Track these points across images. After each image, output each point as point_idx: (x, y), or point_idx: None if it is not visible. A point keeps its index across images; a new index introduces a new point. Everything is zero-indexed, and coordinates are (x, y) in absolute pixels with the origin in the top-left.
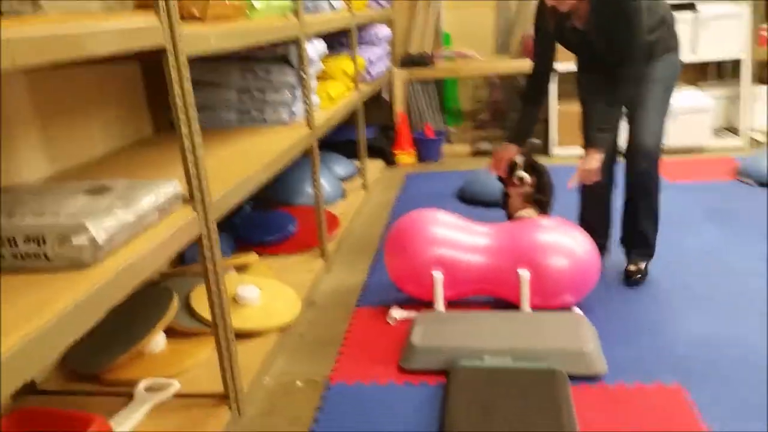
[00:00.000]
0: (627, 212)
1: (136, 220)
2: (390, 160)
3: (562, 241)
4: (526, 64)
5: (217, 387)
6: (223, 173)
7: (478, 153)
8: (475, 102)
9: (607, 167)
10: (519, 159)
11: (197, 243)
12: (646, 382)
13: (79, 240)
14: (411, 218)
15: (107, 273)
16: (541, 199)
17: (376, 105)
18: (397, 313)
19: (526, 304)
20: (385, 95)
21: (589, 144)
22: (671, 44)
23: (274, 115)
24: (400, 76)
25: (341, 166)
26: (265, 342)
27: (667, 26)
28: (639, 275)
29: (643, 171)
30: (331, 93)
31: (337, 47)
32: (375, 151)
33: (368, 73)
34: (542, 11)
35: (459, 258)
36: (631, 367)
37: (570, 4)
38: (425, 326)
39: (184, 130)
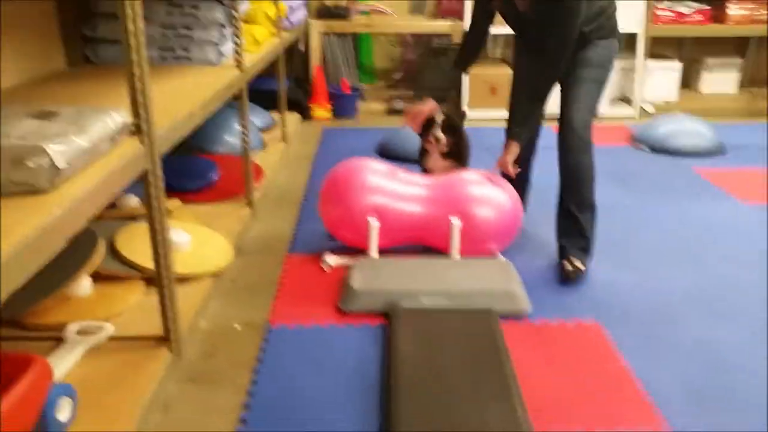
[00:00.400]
0: (561, 204)
1: (91, 146)
2: (306, 114)
3: (491, 193)
4: (442, 25)
5: (153, 330)
6: (160, 110)
7: (392, 111)
8: (389, 61)
9: (530, 142)
10: (439, 117)
11: (142, 180)
12: (567, 320)
13: (37, 162)
14: (348, 166)
15: (66, 200)
16: (458, 159)
17: (292, 57)
18: (331, 260)
19: (455, 251)
20: (300, 47)
21: (509, 136)
22: (608, 31)
23: (200, 54)
24: (317, 27)
25: (258, 117)
26: (199, 287)
27: (606, 16)
28: (574, 273)
29: (573, 154)
30: (256, 36)
31: None
32: (290, 104)
33: (288, 20)
34: None
35: (394, 206)
36: (553, 308)
37: None
38: (363, 271)
39: (133, 57)
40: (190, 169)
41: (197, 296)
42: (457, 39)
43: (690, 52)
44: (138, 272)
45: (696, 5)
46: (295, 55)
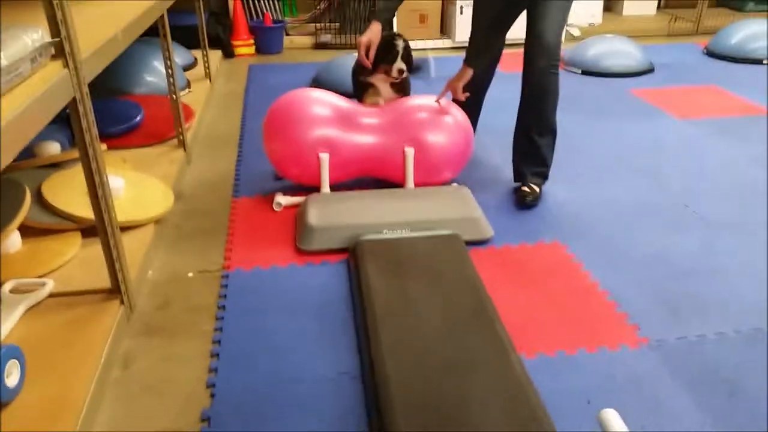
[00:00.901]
0: (521, 128)
1: (10, 65)
2: (228, 51)
3: (443, 119)
4: None
5: (99, 283)
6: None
7: (319, 45)
8: None
9: (487, 70)
10: (400, 44)
11: (71, 110)
12: (529, 242)
13: None
14: (291, 98)
15: None
16: (404, 90)
17: None
18: (282, 199)
19: (410, 181)
20: None
21: (466, 61)
22: None
23: None
24: None
25: (178, 56)
26: (141, 235)
27: None
28: (532, 197)
29: (541, 70)
30: None
31: None
32: (210, 41)
33: None
34: None
35: (344, 138)
36: (513, 231)
37: None
38: (318, 207)
39: None
40: (111, 112)
41: (141, 245)
42: None
43: None
44: (72, 223)
45: None
46: None
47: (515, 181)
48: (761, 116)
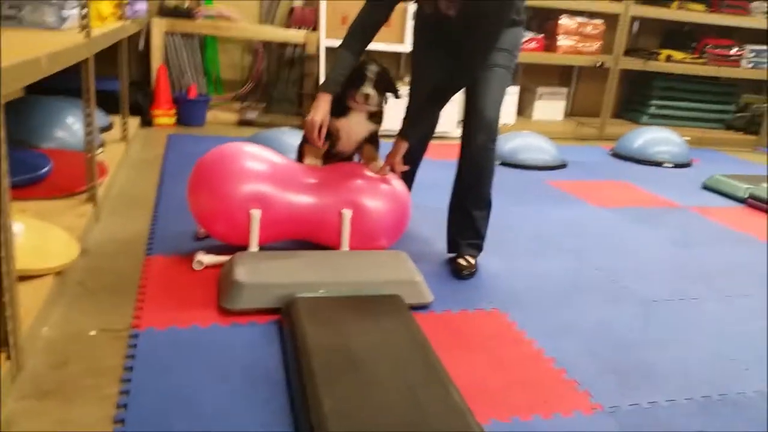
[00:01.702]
0: (457, 201)
1: None
2: (147, 120)
3: (383, 186)
4: (296, 34)
5: None
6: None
7: (244, 122)
8: (237, 71)
9: (423, 140)
10: (371, 70)
11: None
12: (469, 309)
13: None
14: (221, 151)
15: None
16: (376, 137)
17: (130, 58)
18: (204, 258)
19: (346, 244)
20: (140, 47)
21: (400, 135)
22: (516, 19)
23: (35, 16)
24: (159, 25)
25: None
26: (37, 287)
27: (516, 8)
28: (468, 271)
29: (481, 145)
30: (101, 11)
31: None
32: (129, 108)
33: (131, 6)
34: None
35: (278, 195)
36: (452, 298)
37: None
38: (247, 264)
39: None
40: (15, 162)
41: (36, 298)
42: (312, 50)
43: (522, 81)
44: None
45: (531, 34)
46: (133, 57)
47: (449, 251)
48: (672, 208)
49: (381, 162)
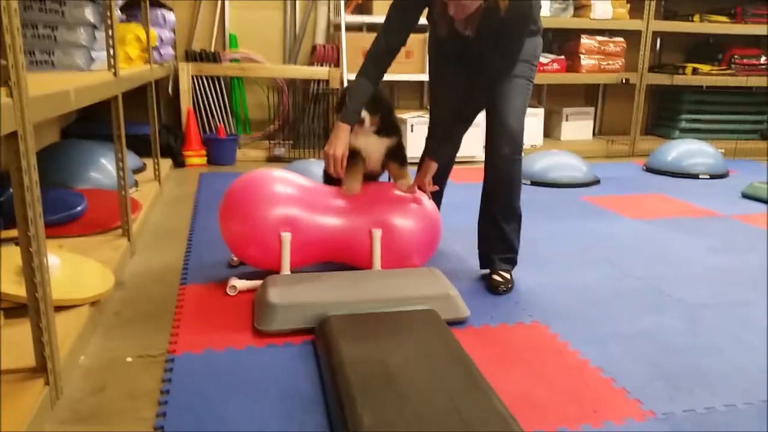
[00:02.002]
0: (486, 215)
1: None
2: (178, 161)
3: (412, 205)
4: (320, 71)
5: (21, 363)
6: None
7: (273, 158)
8: (264, 111)
9: (448, 160)
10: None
11: (9, 146)
12: (509, 323)
13: None
14: (251, 176)
15: None
16: (392, 133)
17: (160, 102)
18: (238, 283)
19: (377, 263)
20: (169, 91)
21: (429, 155)
22: (533, 29)
23: (65, 59)
24: (187, 69)
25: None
26: (76, 317)
27: (532, 19)
28: (504, 286)
29: (506, 157)
30: (129, 52)
31: (125, 20)
32: (161, 150)
33: (158, 52)
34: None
35: (308, 218)
36: (490, 313)
37: (469, 13)
38: (280, 286)
39: None
40: (52, 201)
41: (73, 327)
42: (335, 84)
43: (547, 103)
44: None
45: (552, 56)
46: (163, 101)
47: (482, 267)
48: (710, 217)
49: (410, 179)
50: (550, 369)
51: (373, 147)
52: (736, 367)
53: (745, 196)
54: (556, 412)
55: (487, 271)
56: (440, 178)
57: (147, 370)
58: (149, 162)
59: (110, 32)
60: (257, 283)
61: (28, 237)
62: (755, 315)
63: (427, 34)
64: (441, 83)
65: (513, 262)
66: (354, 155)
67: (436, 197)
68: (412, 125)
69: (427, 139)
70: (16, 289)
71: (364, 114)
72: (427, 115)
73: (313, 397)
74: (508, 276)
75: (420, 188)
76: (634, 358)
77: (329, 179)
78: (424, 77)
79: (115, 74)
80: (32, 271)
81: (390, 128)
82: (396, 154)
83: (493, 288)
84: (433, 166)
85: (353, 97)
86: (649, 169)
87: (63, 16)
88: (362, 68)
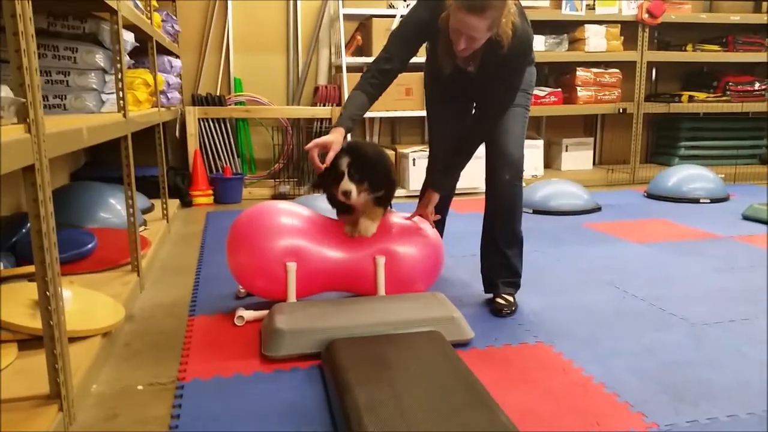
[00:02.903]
0: (488, 241)
1: None
2: (186, 201)
3: (414, 232)
4: (322, 110)
5: (35, 391)
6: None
7: (278, 196)
8: (269, 150)
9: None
10: (343, 162)
11: (27, 179)
12: (513, 344)
13: None
14: (257, 209)
15: None
16: (383, 190)
17: (167, 146)
18: (245, 314)
19: (382, 289)
20: (177, 133)
21: (431, 186)
22: (530, 59)
23: (77, 102)
24: (193, 112)
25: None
26: (88, 348)
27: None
28: (508, 309)
29: (508, 183)
30: (138, 96)
31: (132, 66)
32: (169, 191)
33: (166, 96)
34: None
35: (312, 249)
36: (495, 335)
37: (474, 49)
38: (287, 312)
39: (19, 26)
40: (62, 240)
41: (85, 358)
42: None
43: (547, 135)
44: (8, 333)
45: (548, 89)
46: (171, 144)
47: (486, 292)
48: (713, 239)
49: (374, 225)
50: (555, 386)
51: (363, 201)
52: (738, 380)
53: (746, 218)
54: (560, 426)
55: (491, 295)
56: (442, 208)
57: (158, 397)
58: (157, 202)
59: (120, 75)
60: (264, 313)
61: (43, 264)
62: (757, 330)
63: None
64: (439, 118)
65: (516, 286)
66: (344, 204)
67: (439, 226)
68: (414, 159)
69: (428, 171)
70: (31, 321)
71: (351, 186)
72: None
73: (321, 418)
74: (511, 299)
75: (423, 217)
76: (637, 374)
77: (335, 203)
78: (424, 113)
79: (124, 116)
80: (47, 299)
81: (379, 183)
82: (380, 199)
83: (497, 311)
84: (435, 197)
85: (347, 107)
86: (650, 195)
87: (75, 62)
88: (359, 82)
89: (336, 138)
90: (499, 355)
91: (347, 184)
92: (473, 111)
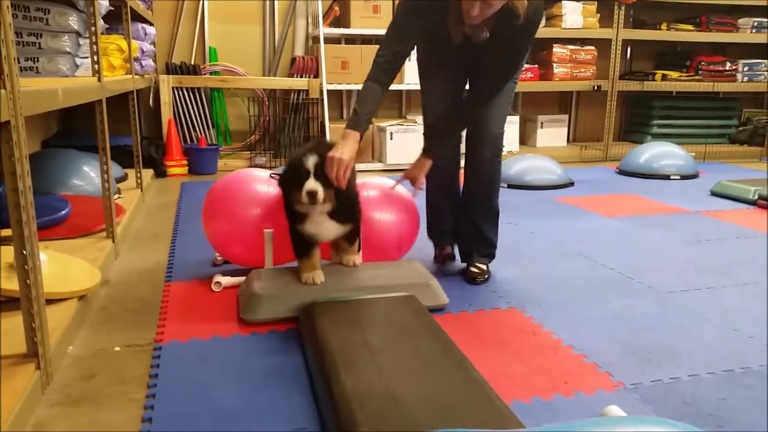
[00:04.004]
0: (465, 215)
1: None
2: (160, 171)
3: (390, 198)
4: (300, 81)
5: (12, 349)
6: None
7: (255, 167)
8: (244, 122)
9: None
10: (310, 161)
11: (2, 137)
12: (486, 309)
13: None
14: (234, 176)
15: None
16: (348, 218)
17: (141, 115)
18: (223, 279)
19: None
20: (150, 102)
21: (424, 152)
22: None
23: (50, 65)
24: (167, 81)
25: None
26: (64, 310)
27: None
28: (482, 277)
29: (488, 159)
30: (112, 61)
31: (106, 32)
32: (143, 161)
33: (140, 63)
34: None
35: None
36: (468, 301)
37: (486, 16)
38: (265, 278)
39: None
40: (36, 206)
41: (61, 320)
42: (315, 95)
43: (523, 111)
44: None
45: (525, 65)
46: (145, 114)
47: (462, 261)
48: (681, 213)
49: (358, 257)
50: (525, 348)
51: (327, 233)
52: (701, 344)
53: (714, 193)
54: (530, 384)
55: (466, 264)
56: (450, 180)
57: (135, 358)
58: (131, 172)
59: (94, 39)
60: (242, 279)
61: (20, 223)
62: (722, 297)
63: None
64: (434, 86)
65: (491, 256)
66: (304, 242)
67: (454, 188)
68: (391, 133)
69: (426, 138)
70: (6, 283)
71: (316, 186)
72: (406, 124)
73: (298, 375)
74: (484, 267)
75: (410, 181)
76: (605, 338)
77: (295, 233)
78: (402, 87)
79: (99, 80)
80: (24, 258)
81: (347, 214)
82: (350, 235)
83: (471, 279)
84: (427, 164)
85: (362, 103)
86: (622, 172)
87: (47, 23)
88: (371, 72)
89: (353, 150)
90: (472, 319)
91: (313, 184)
92: (470, 81)
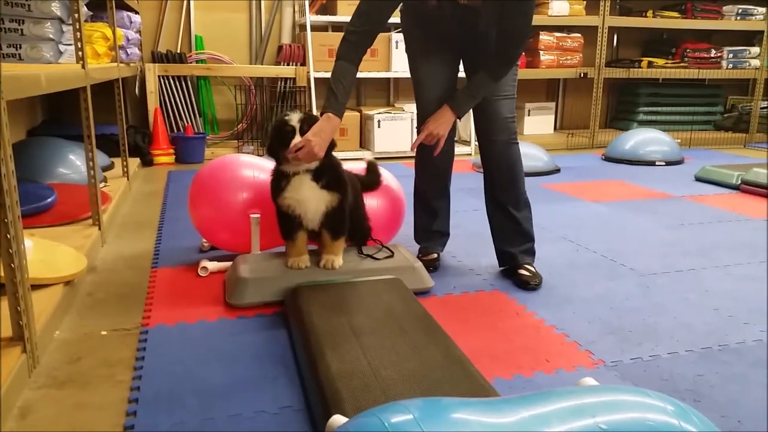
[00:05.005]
0: (495, 207)
1: None
2: (147, 160)
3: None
4: (286, 69)
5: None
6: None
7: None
8: (231, 111)
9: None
10: (294, 117)
11: None
12: (471, 292)
13: None
14: (219, 162)
15: None
16: (336, 187)
17: (127, 104)
18: (209, 264)
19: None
20: (136, 91)
21: (451, 107)
22: None
23: (33, 52)
24: (153, 70)
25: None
26: (50, 296)
27: None
28: (534, 280)
29: (504, 143)
30: (97, 49)
31: (91, 20)
32: (129, 150)
33: (125, 51)
34: None
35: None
36: (453, 284)
37: None
38: (251, 262)
39: None
40: (21, 194)
41: (47, 305)
42: (302, 82)
43: None
44: None
45: None
46: (131, 103)
47: (501, 265)
48: (666, 198)
49: (340, 258)
50: (508, 328)
51: (312, 203)
52: (681, 323)
53: (698, 179)
54: (512, 362)
55: (508, 267)
56: (444, 175)
57: (122, 342)
58: (117, 161)
59: (78, 26)
60: (228, 264)
61: (3, 207)
62: (703, 279)
63: (391, 33)
64: (426, 75)
65: (533, 253)
66: (290, 220)
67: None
68: (379, 121)
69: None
70: None
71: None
72: (394, 112)
73: (283, 357)
74: (533, 269)
75: (429, 139)
76: (587, 318)
77: (284, 221)
78: (390, 74)
79: (83, 66)
80: (8, 242)
81: (332, 180)
82: (334, 218)
83: (523, 284)
84: (452, 118)
85: (338, 84)
86: (608, 158)
87: (30, 9)
88: (341, 51)
89: (330, 133)
90: (456, 301)
91: (299, 138)
92: (476, 62)
